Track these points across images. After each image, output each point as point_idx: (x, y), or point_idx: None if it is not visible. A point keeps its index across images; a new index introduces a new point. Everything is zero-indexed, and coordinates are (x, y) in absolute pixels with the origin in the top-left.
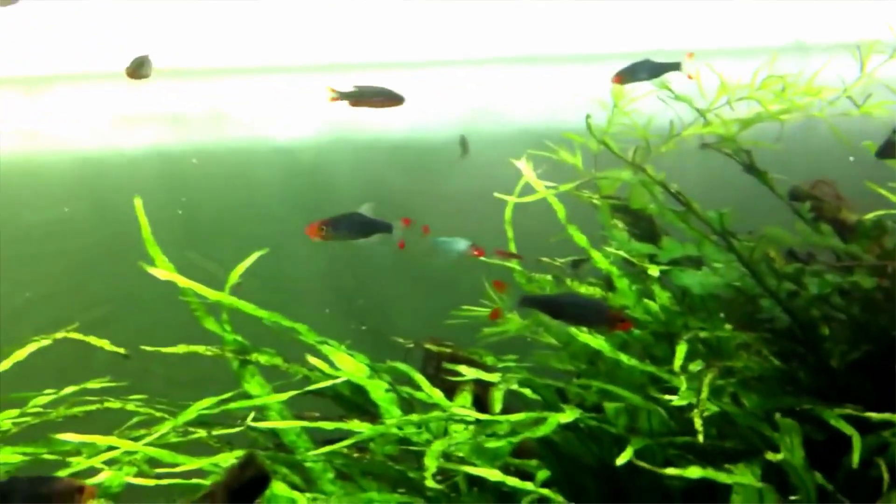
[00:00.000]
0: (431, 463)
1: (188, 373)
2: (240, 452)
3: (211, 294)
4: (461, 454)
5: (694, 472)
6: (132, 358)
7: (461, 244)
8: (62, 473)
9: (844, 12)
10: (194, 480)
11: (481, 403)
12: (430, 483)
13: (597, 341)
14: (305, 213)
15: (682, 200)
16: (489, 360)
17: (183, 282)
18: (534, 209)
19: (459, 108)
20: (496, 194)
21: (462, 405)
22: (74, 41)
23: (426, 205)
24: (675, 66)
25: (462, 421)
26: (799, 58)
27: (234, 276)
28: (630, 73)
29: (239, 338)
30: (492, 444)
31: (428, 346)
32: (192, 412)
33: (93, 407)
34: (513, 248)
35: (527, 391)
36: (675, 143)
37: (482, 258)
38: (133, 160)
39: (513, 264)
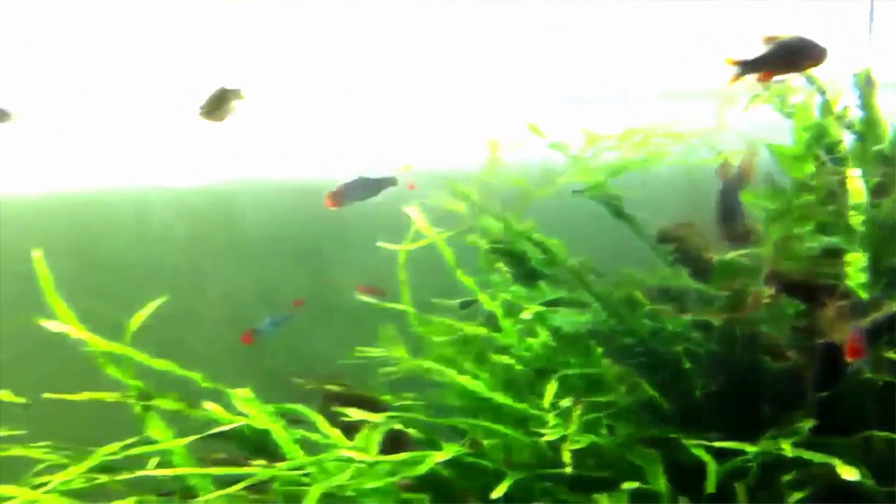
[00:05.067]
0: None
1: (95, 419)
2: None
3: (104, 346)
4: (349, 493)
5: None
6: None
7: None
8: None
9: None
10: None
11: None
12: None
13: (472, 382)
14: (211, 255)
15: (544, 249)
16: (387, 398)
17: (76, 333)
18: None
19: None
20: (380, 244)
21: (361, 444)
22: None
23: (334, 245)
24: (392, 182)
25: (350, 461)
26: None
27: (135, 323)
28: (345, 193)
29: (139, 384)
30: (372, 483)
31: (328, 386)
32: (96, 458)
33: None
34: (405, 290)
35: (412, 431)
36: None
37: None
38: (31, 206)
39: (407, 306)
